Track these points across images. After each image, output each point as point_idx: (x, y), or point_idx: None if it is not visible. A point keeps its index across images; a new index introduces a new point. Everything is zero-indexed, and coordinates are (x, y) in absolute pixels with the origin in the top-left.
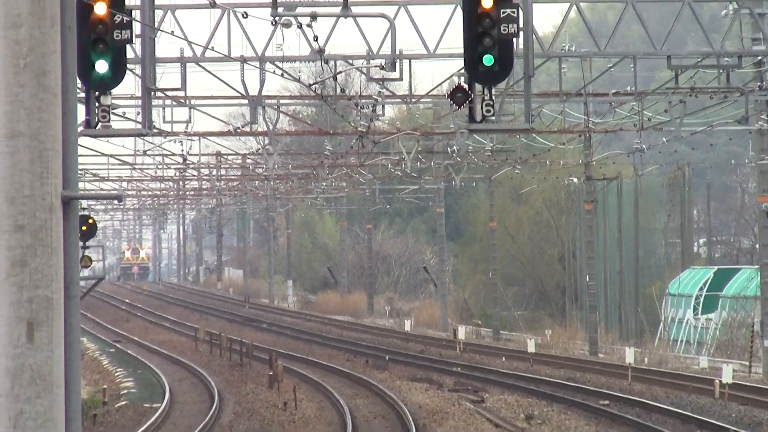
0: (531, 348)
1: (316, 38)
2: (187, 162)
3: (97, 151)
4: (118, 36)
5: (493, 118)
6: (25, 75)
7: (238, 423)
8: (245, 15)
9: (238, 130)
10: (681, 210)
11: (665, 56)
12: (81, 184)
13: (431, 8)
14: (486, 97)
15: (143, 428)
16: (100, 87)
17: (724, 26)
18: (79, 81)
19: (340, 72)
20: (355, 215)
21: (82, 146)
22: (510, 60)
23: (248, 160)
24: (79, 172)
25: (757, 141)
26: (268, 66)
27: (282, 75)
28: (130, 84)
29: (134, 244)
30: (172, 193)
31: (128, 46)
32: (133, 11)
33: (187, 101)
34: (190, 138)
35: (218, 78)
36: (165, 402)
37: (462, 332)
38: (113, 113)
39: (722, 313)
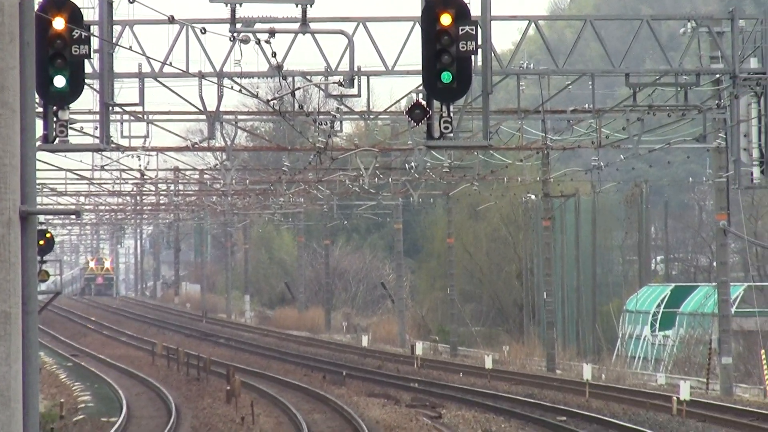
0: (488, 364)
1: (274, 54)
2: (145, 177)
3: (54, 166)
4: (76, 51)
5: (451, 134)
6: None
7: None
8: (203, 31)
9: (195, 146)
10: (639, 227)
11: (623, 74)
12: (38, 199)
13: (390, 25)
14: (444, 114)
15: None
16: (58, 102)
17: (683, 44)
18: (36, 96)
19: (299, 88)
20: (312, 231)
21: (40, 161)
22: (468, 77)
23: (206, 176)
24: (37, 186)
25: (714, 159)
26: (226, 82)
27: (240, 91)
28: (88, 99)
29: (99, 254)
30: (129, 207)
31: (86, 61)
32: (92, 26)
33: (145, 116)
34: (147, 153)
35: (176, 93)
36: (122, 416)
37: (419, 348)
38: (71, 128)
39: (679, 330)
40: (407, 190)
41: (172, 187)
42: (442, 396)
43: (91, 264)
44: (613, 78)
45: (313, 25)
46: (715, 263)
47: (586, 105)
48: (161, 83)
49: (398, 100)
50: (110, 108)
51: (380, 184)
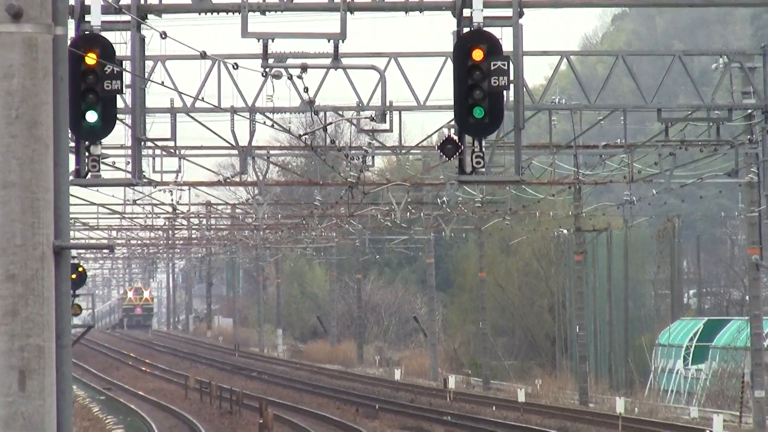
0: (521, 397)
1: (306, 89)
2: (177, 211)
3: (86, 200)
4: (108, 86)
5: (483, 169)
6: (17, 126)
7: None
8: (236, 66)
9: (227, 180)
10: (671, 261)
11: (655, 109)
12: (71, 233)
13: (422, 60)
14: (476, 149)
15: None
16: (91, 137)
17: (715, 79)
18: (69, 131)
19: (330, 123)
20: (344, 265)
21: (72, 195)
22: (500, 112)
23: (238, 210)
24: (69, 221)
25: (746, 193)
26: (258, 116)
27: (272, 126)
28: (120, 134)
29: (137, 283)
30: (161, 242)
31: (118, 96)
32: (124, 62)
33: (177, 151)
34: (179, 188)
35: (208, 128)
36: None
37: (452, 381)
38: (103, 163)
39: (712, 364)
40: (439, 225)
41: (204, 222)
42: (475, 429)
43: (129, 294)
44: (645, 113)
45: (345, 60)
46: (747, 297)
47: (618, 140)
48: (193, 118)
49: (430, 135)
50: (142, 143)
51: (412, 219)
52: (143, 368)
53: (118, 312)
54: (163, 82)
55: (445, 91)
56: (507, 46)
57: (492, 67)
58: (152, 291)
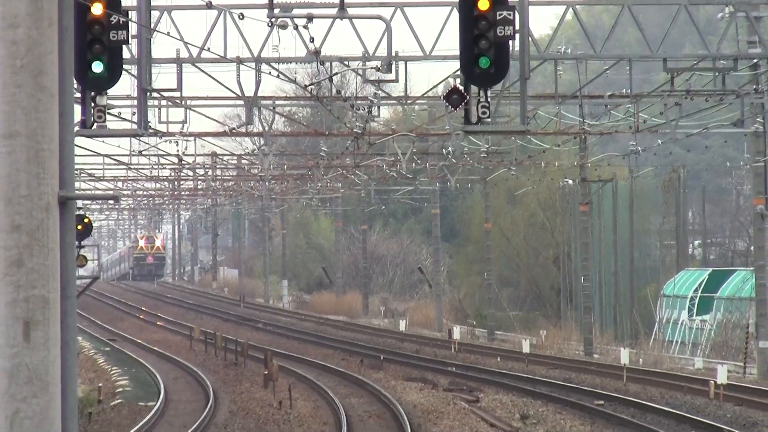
0: (526, 348)
1: (312, 40)
2: (183, 162)
3: (92, 151)
4: (114, 37)
5: (489, 119)
6: (23, 75)
7: (234, 422)
8: (241, 16)
9: (233, 131)
10: (676, 212)
11: (661, 59)
12: (76, 184)
13: (427, 10)
14: (481, 99)
15: (138, 426)
16: (96, 87)
17: (720, 29)
18: (75, 81)
19: (336, 73)
20: (350, 216)
21: (78, 146)
22: (506, 62)
23: (244, 161)
24: (75, 172)
25: (752, 143)
26: (264, 67)
27: (278, 76)
28: (126, 84)
29: (149, 231)
30: (167, 193)
31: (124, 46)
32: (130, 12)
33: (183, 102)
34: (185, 138)
35: (214, 79)
36: (160, 401)
37: (457, 332)
38: (109, 113)
39: (717, 315)
40: (444, 175)
41: (210, 173)
42: (479, 380)
43: (141, 242)
44: (651, 63)
45: (350, 11)
46: (752, 248)
47: (624, 90)
48: (199, 69)
49: (435, 86)
50: (148, 93)
51: (417, 169)
52: (158, 323)
53: (128, 261)
54: (168, 33)
55: (451, 42)
56: None
57: (498, 17)
58: (164, 238)
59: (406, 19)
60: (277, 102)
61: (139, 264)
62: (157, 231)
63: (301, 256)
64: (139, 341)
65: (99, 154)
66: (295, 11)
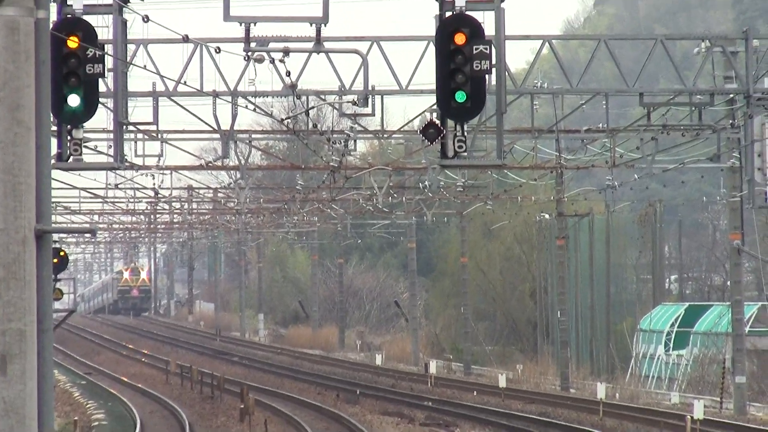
0: (502, 383)
1: (288, 73)
2: (159, 196)
3: (68, 184)
4: (90, 70)
5: (465, 153)
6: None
7: None
8: (218, 50)
9: (209, 165)
10: (652, 246)
11: (637, 93)
12: (52, 218)
13: (404, 44)
14: (458, 133)
15: None
16: (73, 120)
17: (697, 64)
18: (51, 114)
19: (313, 107)
20: (326, 250)
21: (54, 179)
22: (482, 96)
23: (220, 194)
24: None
25: (728, 178)
26: (241, 101)
27: (254, 110)
28: (102, 118)
29: (133, 263)
30: (143, 226)
31: (100, 79)
32: (106, 45)
33: (159, 135)
34: (161, 172)
35: (190, 112)
36: None
37: (433, 366)
38: (85, 147)
39: (693, 350)
40: (421, 209)
41: (186, 206)
42: (456, 414)
43: (125, 275)
44: (627, 97)
45: (327, 44)
46: (729, 282)
47: (600, 124)
48: (175, 102)
49: (412, 119)
50: (124, 127)
51: (394, 203)
52: (143, 359)
53: (111, 292)
54: (145, 66)
55: (428, 76)
56: (489, 30)
57: (474, 51)
58: (150, 270)
59: (382, 53)
60: (253, 135)
61: (123, 297)
62: (138, 263)
63: (278, 290)
64: (116, 375)
65: (75, 188)
66: (272, 45)
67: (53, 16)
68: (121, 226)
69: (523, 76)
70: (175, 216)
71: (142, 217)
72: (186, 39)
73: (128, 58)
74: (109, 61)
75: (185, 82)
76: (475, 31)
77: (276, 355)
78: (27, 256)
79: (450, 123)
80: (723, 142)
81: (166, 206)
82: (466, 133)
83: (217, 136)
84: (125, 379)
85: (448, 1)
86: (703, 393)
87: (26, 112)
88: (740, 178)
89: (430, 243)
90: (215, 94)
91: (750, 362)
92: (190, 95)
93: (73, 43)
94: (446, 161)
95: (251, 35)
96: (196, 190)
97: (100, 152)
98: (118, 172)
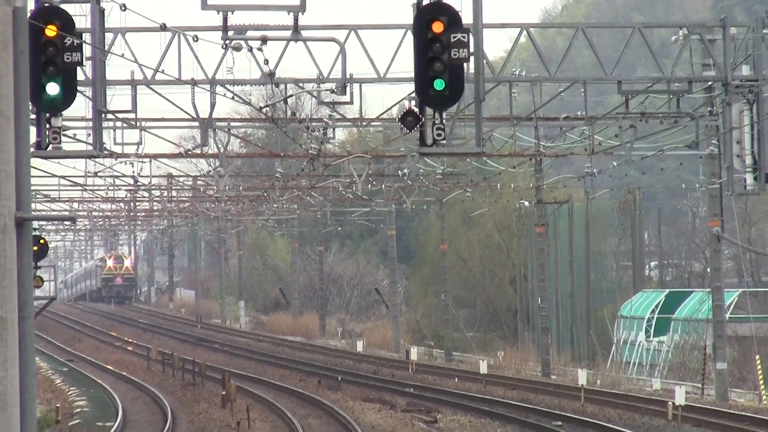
0: (483, 369)
1: (266, 62)
2: (138, 183)
3: (48, 173)
4: (68, 58)
5: (444, 141)
6: None
7: None
8: (196, 38)
9: (189, 152)
10: (632, 233)
11: (616, 81)
12: (32, 205)
13: (382, 32)
14: (437, 121)
15: None
16: (51, 109)
17: (675, 52)
18: (30, 103)
19: (291, 95)
20: (306, 237)
21: (33, 167)
22: (460, 84)
23: (199, 182)
24: (31, 193)
25: (707, 166)
26: (219, 89)
27: (233, 98)
28: (80, 106)
29: (117, 251)
30: (123, 214)
31: (79, 68)
32: (84, 34)
33: (138, 123)
34: (141, 160)
35: (169, 100)
36: (118, 421)
37: (414, 353)
38: (64, 135)
39: (674, 336)
40: (400, 197)
41: (166, 194)
42: (437, 401)
43: (109, 262)
44: (606, 85)
45: (304, 33)
46: (709, 269)
47: (579, 112)
48: (154, 90)
49: (390, 107)
50: (103, 115)
51: (373, 191)
52: (124, 346)
53: (95, 279)
54: (123, 55)
55: (406, 64)
56: (467, 18)
57: (452, 40)
58: (134, 258)
59: (360, 41)
60: (232, 124)
61: (107, 285)
62: (119, 250)
63: (258, 277)
64: (97, 362)
65: (54, 176)
66: (249, 33)
67: (31, 5)
68: (101, 214)
69: (501, 64)
70: (154, 204)
71: (121, 204)
72: (164, 27)
73: (106, 47)
74: (87, 50)
75: (163, 71)
76: (452, 19)
77: (257, 342)
78: (7, 243)
79: (429, 111)
80: (701, 130)
81: (146, 194)
82: (444, 121)
83: (196, 124)
84: (107, 366)
85: None
86: (685, 379)
87: (5, 101)
88: (719, 165)
89: (409, 230)
90: (194, 83)
91: (731, 348)
92: (168, 83)
93: (51, 31)
94: (425, 149)
95: (229, 24)
96: (176, 178)
97: (79, 140)
98: (97, 160)
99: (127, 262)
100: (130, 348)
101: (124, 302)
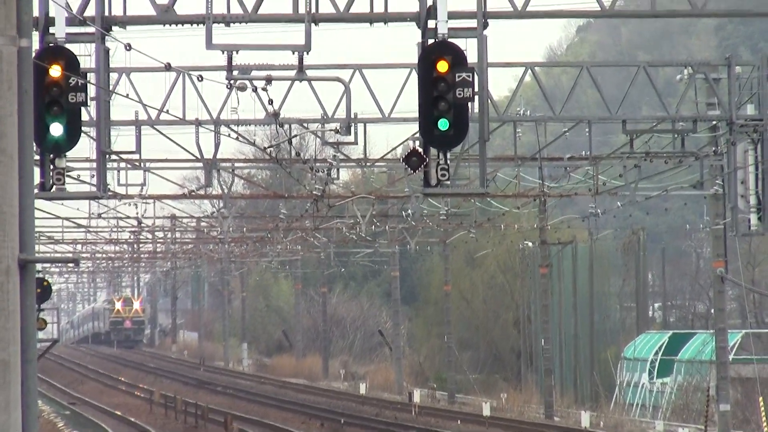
0: (486, 411)
1: (271, 101)
2: (142, 225)
3: (51, 214)
4: (73, 99)
5: (448, 182)
6: None
7: None
8: (200, 78)
9: (192, 193)
10: (636, 274)
11: (620, 120)
12: (35, 247)
13: (386, 72)
14: (441, 161)
15: None
16: (55, 150)
17: (680, 91)
18: (33, 143)
19: (295, 135)
20: (309, 278)
21: (37, 209)
22: (465, 124)
23: (203, 223)
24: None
25: (711, 206)
26: (223, 129)
27: (237, 138)
28: (84, 147)
29: (125, 293)
30: (126, 255)
31: (83, 108)
32: (88, 74)
33: (142, 164)
34: (144, 201)
35: (173, 141)
36: None
37: (417, 395)
38: (68, 176)
39: (677, 378)
40: (404, 238)
41: (169, 235)
42: None
43: (117, 305)
44: (610, 125)
45: (309, 72)
46: (712, 310)
47: (583, 152)
48: (158, 131)
49: (395, 148)
50: (107, 156)
51: (377, 232)
52: (127, 389)
53: (103, 322)
54: (128, 95)
55: (410, 103)
56: (471, 57)
57: (457, 79)
58: (143, 300)
59: (364, 81)
60: (236, 164)
61: (116, 329)
62: (121, 293)
63: (261, 319)
64: (100, 404)
65: (58, 217)
66: (254, 73)
67: (35, 45)
68: (105, 256)
69: (506, 104)
70: (158, 245)
71: (125, 246)
72: (168, 67)
73: (111, 87)
74: (91, 90)
75: (168, 111)
76: (457, 58)
77: (260, 384)
78: (10, 286)
79: (433, 151)
80: (706, 169)
81: (149, 235)
82: (449, 161)
83: (200, 164)
84: (109, 409)
85: (430, 28)
86: (688, 421)
87: (9, 141)
88: (723, 206)
89: (413, 271)
90: (198, 123)
91: (734, 390)
92: (172, 124)
93: (55, 71)
94: (429, 189)
95: (233, 63)
96: (179, 219)
97: (83, 181)
98: (101, 201)
99: (137, 305)
100: (128, 390)
101: (133, 346)
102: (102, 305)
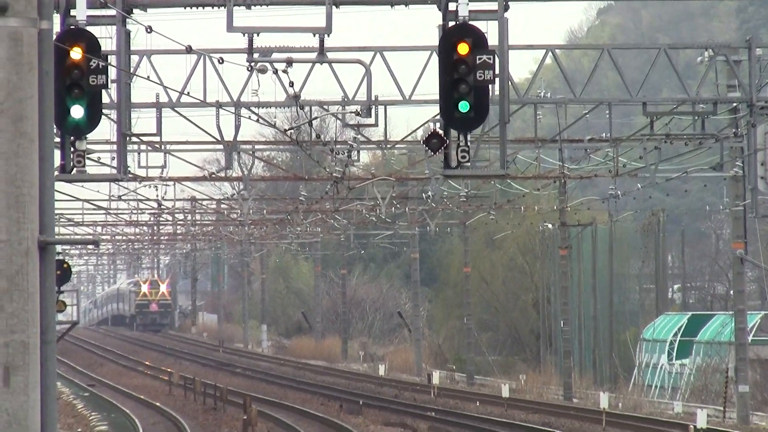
0: (505, 393)
1: (291, 84)
2: (162, 207)
3: (71, 196)
4: (93, 81)
5: (468, 164)
6: (3, 120)
7: None
8: (221, 60)
9: (213, 176)
10: (655, 256)
11: (640, 103)
12: (56, 229)
13: (407, 54)
14: (461, 143)
15: None
16: (76, 132)
17: (700, 73)
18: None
19: (316, 118)
20: (329, 260)
21: (57, 191)
22: (485, 106)
23: (223, 206)
24: (54, 216)
25: (731, 187)
26: (244, 111)
27: (257, 120)
28: (105, 129)
29: (152, 275)
30: (146, 237)
31: (104, 91)
32: (109, 56)
33: (163, 146)
34: (165, 183)
35: (193, 123)
36: None
37: (436, 377)
38: (88, 158)
39: (696, 359)
40: (424, 220)
41: (189, 217)
42: (459, 425)
43: (143, 288)
44: (630, 107)
45: (330, 55)
46: (732, 291)
47: (603, 134)
48: (178, 113)
49: (415, 130)
50: (127, 138)
51: (397, 214)
52: (146, 371)
53: (129, 304)
54: (148, 77)
55: (431, 86)
56: (492, 40)
57: (477, 61)
58: (170, 283)
59: (385, 64)
60: (256, 146)
61: (141, 312)
62: (140, 275)
63: (281, 301)
64: (119, 386)
65: (78, 199)
66: (275, 56)
67: (56, 27)
68: (125, 238)
69: (527, 86)
70: (178, 227)
71: (145, 228)
72: (189, 50)
73: (131, 69)
74: (112, 72)
75: (188, 93)
76: (478, 40)
77: (279, 366)
78: (30, 267)
79: (453, 133)
80: (726, 151)
81: (170, 218)
82: (469, 143)
83: (220, 147)
84: (128, 391)
85: (451, 11)
86: (707, 402)
87: (29, 123)
88: (743, 187)
89: (433, 253)
90: (218, 105)
91: (753, 371)
92: (193, 106)
93: (76, 54)
94: (449, 171)
95: (254, 46)
96: (199, 202)
97: (104, 164)
98: (121, 183)
99: (163, 287)
100: (147, 371)
101: (159, 330)
102: (127, 287)
